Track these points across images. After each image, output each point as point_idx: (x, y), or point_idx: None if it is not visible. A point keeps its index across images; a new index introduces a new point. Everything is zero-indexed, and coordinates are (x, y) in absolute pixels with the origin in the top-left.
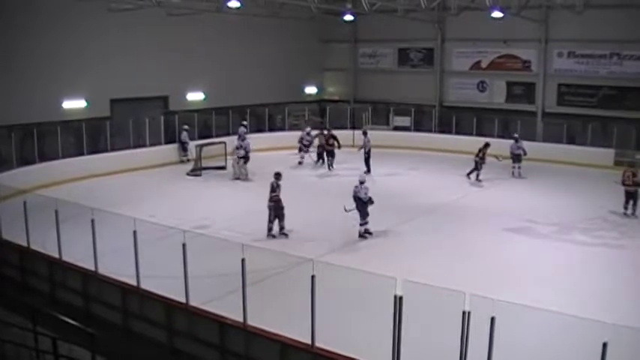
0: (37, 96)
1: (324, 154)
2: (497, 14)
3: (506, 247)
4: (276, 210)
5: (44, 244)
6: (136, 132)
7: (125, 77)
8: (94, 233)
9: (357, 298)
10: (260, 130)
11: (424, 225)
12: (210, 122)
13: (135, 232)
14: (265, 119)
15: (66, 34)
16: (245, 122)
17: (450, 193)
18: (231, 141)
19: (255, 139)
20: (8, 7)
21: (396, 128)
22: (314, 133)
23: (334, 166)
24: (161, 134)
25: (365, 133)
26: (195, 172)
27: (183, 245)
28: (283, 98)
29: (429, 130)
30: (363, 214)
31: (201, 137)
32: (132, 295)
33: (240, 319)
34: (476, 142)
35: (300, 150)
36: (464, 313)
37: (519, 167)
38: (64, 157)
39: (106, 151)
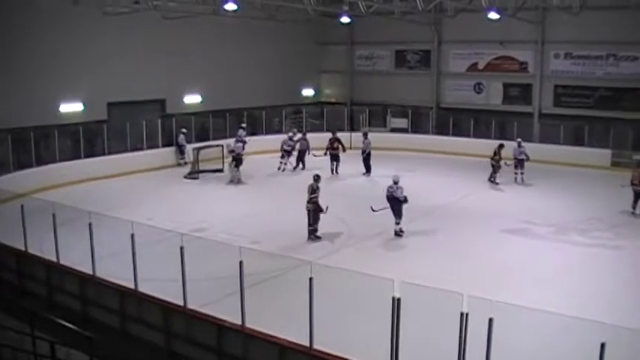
0: (34, 99)
1: (333, 159)
2: (493, 16)
3: (504, 248)
4: (315, 212)
5: (42, 247)
6: (133, 135)
7: (122, 80)
8: (92, 237)
9: (354, 300)
10: (254, 134)
11: (422, 227)
12: (208, 125)
13: (132, 236)
14: (262, 122)
15: (63, 38)
16: (244, 125)
17: (447, 194)
18: (230, 144)
19: (252, 142)
20: (5, 10)
21: (393, 130)
22: (296, 137)
23: (339, 171)
24: (158, 137)
25: (365, 135)
26: (193, 175)
27: (181, 248)
28: (280, 101)
29: (426, 132)
30: (399, 214)
31: (198, 140)
32: (130, 298)
33: (239, 322)
34: (473, 143)
35: (283, 156)
36: (462, 314)
37: (522, 173)
38: (61, 160)
39: (103, 154)
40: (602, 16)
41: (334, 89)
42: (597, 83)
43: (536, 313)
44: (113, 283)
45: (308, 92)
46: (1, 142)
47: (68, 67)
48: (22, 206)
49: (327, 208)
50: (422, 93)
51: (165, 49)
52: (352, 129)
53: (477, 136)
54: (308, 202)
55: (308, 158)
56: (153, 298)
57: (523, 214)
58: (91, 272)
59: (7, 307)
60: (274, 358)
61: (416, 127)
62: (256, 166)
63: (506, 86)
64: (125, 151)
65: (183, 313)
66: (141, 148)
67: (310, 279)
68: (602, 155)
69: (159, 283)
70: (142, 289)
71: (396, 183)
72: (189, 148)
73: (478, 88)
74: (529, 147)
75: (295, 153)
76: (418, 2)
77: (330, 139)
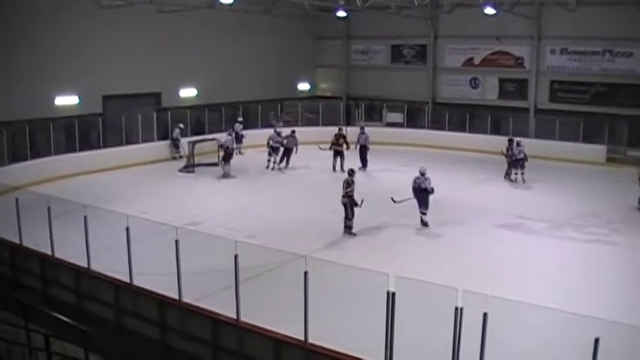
0: (28, 92)
1: (337, 155)
2: (489, 11)
3: (499, 243)
4: (351, 206)
5: (36, 241)
6: (128, 129)
7: (117, 74)
8: (87, 230)
9: (349, 294)
10: (245, 127)
11: (417, 222)
12: (203, 119)
13: (127, 229)
14: (258, 116)
15: (58, 31)
16: (240, 119)
17: (442, 189)
18: (220, 138)
19: (248, 136)
20: (1, 4)
21: (389, 125)
22: (283, 132)
23: (344, 168)
24: (154, 131)
25: (362, 129)
26: (188, 168)
27: (176, 242)
28: (276, 95)
29: (422, 127)
30: (427, 204)
31: (193, 134)
32: (125, 291)
33: (233, 316)
34: (468, 138)
35: (270, 154)
36: (456, 309)
37: (523, 173)
38: (56, 153)
39: (98, 147)
40: (598, 11)
41: (330, 83)
42: (593, 79)
43: (531, 308)
44: (108, 277)
45: (304, 86)
46: None
47: (64, 60)
48: (16, 199)
49: (362, 201)
50: (418, 88)
51: (160, 43)
52: (348, 123)
53: (472, 131)
54: (343, 196)
55: (294, 157)
56: (148, 291)
57: (518, 210)
58: (86, 266)
59: (1, 301)
60: (269, 352)
61: (411, 122)
62: (252, 160)
63: (502, 81)
64: (120, 144)
65: (178, 306)
66: (136, 142)
67: (305, 273)
68: (598, 151)
69: (154, 276)
70: (137, 282)
71: (423, 174)
72: (185, 141)
73: (474, 83)
74: (524, 142)
75: (282, 149)
76: None
77: (335, 135)
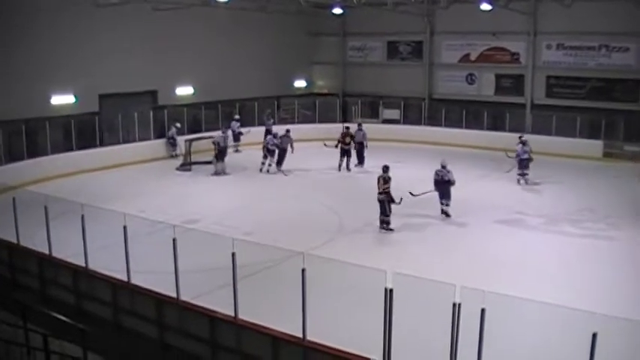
0: (25, 92)
1: (344, 154)
2: (485, 6)
3: (496, 239)
4: (388, 203)
5: (34, 240)
6: (124, 127)
7: (114, 72)
8: (84, 229)
9: (347, 291)
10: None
11: (414, 218)
12: (200, 117)
13: (125, 228)
14: (255, 113)
15: (54, 30)
16: (237, 116)
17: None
18: (214, 136)
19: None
20: None
21: (385, 121)
22: (279, 133)
23: (350, 167)
24: (150, 129)
25: (360, 126)
26: (185, 167)
27: (174, 240)
28: (272, 92)
29: (419, 123)
30: (449, 195)
31: (190, 132)
32: (122, 290)
33: (231, 314)
34: (465, 134)
35: (265, 156)
36: (454, 304)
37: (526, 174)
38: (52, 152)
39: (95, 146)
40: (594, 6)
41: (326, 80)
42: (589, 74)
43: (528, 303)
44: (106, 276)
45: (300, 83)
46: None
47: (60, 59)
48: (14, 199)
49: (401, 199)
50: (414, 84)
51: (156, 41)
52: (345, 120)
53: (469, 127)
54: (380, 193)
55: (292, 157)
56: (146, 290)
57: (515, 205)
58: (83, 265)
59: None
60: (267, 350)
61: (408, 118)
62: (249, 157)
63: (498, 77)
64: (117, 143)
65: (176, 304)
66: (133, 140)
67: (303, 270)
68: (594, 146)
69: (152, 275)
70: (134, 281)
71: (444, 167)
72: (181, 139)
73: (470, 79)
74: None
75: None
76: None
77: (342, 133)
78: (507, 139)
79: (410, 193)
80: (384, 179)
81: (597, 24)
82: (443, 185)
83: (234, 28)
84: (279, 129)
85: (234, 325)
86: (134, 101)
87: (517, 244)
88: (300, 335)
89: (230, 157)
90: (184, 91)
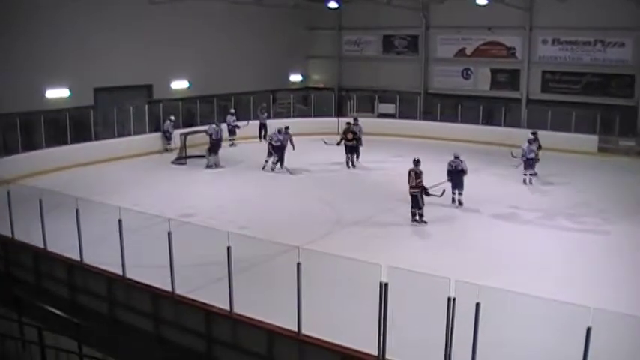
0: (19, 85)
1: (349, 151)
2: (481, 1)
3: (491, 233)
4: (422, 196)
5: (29, 234)
6: (119, 121)
7: (108, 66)
8: (79, 223)
9: (342, 285)
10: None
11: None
12: (194, 110)
13: (120, 221)
14: (250, 107)
15: (49, 23)
16: (232, 110)
17: (434, 180)
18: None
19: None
20: None
21: (381, 115)
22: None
23: (356, 163)
24: (145, 123)
25: (356, 120)
26: (180, 160)
27: (169, 234)
28: (268, 86)
29: (414, 118)
30: (462, 185)
31: (185, 126)
32: (118, 284)
33: (227, 308)
34: (460, 129)
35: (269, 153)
36: (449, 299)
37: (532, 174)
38: (47, 146)
39: (90, 140)
40: (590, 2)
41: (322, 74)
42: (585, 69)
43: (523, 297)
44: (101, 270)
45: (296, 77)
46: None
47: (54, 52)
48: (8, 192)
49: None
50: (410, 78)
51: (152, 35)
52: (340, 114)
53: (464, 121)
54: (413, 187)
55: (288, 151)
56: (141, 284)
57: (510, 200)
58: (78, 259)
59: None
60: (263, 344)
61: (403, 113)
62: (244, 151)
63: (494, 72)
64: (112, 137)
65: (171, 298)
66: (128, 134)
67: (298, 264)
68: (589, 141)
69: (147, 268)
70: (129, 275)
71: (457, 157)
72: (176, 133)
73: (466, 74)
74: (516, 132)
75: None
76: None
77: (344, 130)
78: (503, 133)
79: (426, 191)
80: (417, 173)
81: (593, 19)
82: (456, 175)
83: (230, 22)
84: (274, 123)
85: (230, 319)
86: (129, 95)
87: (512, 239)
88: (296, 329)
89: (226, 151)
90: (180, 84)
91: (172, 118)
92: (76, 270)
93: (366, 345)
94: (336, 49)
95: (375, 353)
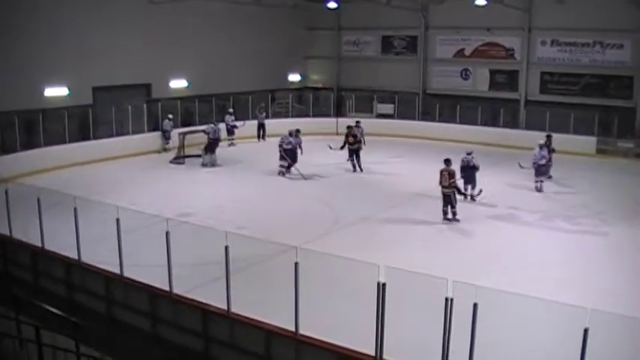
0: (18, 83)
1: (351, 154)
2: (480, 2)
3: (490, 234)
4: (455, 195)
5: (27, 233)
6: (118, 120)
7: (107, 65)
8: (77, 222)
9: (340, 286)
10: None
11: (408, 213)
12: (192, 110)
13: (118, 221)
14: (249, 107)
15: (47, 22)
16: (231, 110)
17: (433, 180)
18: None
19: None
20: None
21: (380, 116)
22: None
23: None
24: (144, 122)
25: (358, 122)
26: (178, 160)
27: (167, 233)
28: (267, 86)
29: (413, 118)
30: (474, 180)
31: (184, 125)
32: (115, 283)
33: (224, 307)
34: (459, 129)
35: (282, 158)
36: (446, 299)
37: (542, 181)
38: (46, 145)
39: (88, 139)
40: (589, 3)
41: (321, 75)
42: (583, 70)
43: (521, 298)
44: (99, 269)
45: (295, 77)
46: None
47: (53, 51)
48: (6, 191)
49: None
50: (408, 79)
51: (151, 34)
52: (339, 114)
53: (463, 122)
54: (447, 187)
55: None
56: (139, 283)
57: (509, 201)
58: (76, 257)
59: None
60: (260, 344)
61: (402, 113)
62: (243, 151)
63: (492, 73)
64: (111, 135)
65: (169, 298)
66: (126, 133)
67: (296, 264)
68: (588, 142)
69: (145, 268)
70: (127, 274)
71: (469, 154)
72: (175, 133)
73: (465, 75)
74: (515, 133)
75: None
76: None
77: (345, 133)
78: (501, 134)
79: (459, 191)
80: (450, 173)
81: (592, 20)
82: (469, 171)
83: (229, 22)
84: (273, 123)
85: (227, 318)
86: (128, 94)
87: (510, 240)
88: (293, 329)
89: (224, 150)
90: (178, 84)
91: (170, 116)
92: (74, 269)
93: (363, 345)
94: (335, 50)
95: (373, 353)
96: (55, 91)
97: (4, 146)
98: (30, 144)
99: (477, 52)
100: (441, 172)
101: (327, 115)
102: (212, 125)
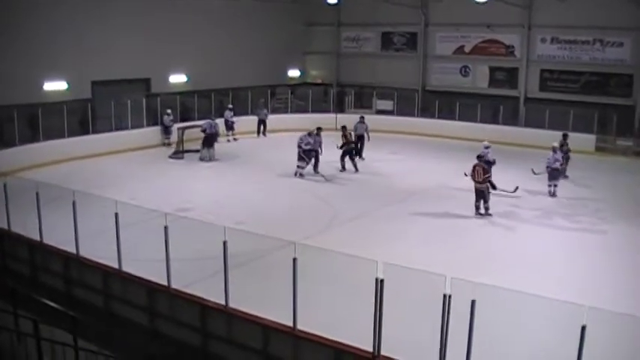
0: (17, 78)
1: (346, 155)
2: None
3: (488, 231)
4: (488, 190)
5: (25, 226)
6: (117, 115)
7: (106, 59)
8: (75, 216)
9: (338, 281)
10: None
11: (407, 209)
12: (190, 105)
13: (117, 215)
14: (248, 102)
15: (47, 15)
16: (231, 105)
17: (431, 177)
18: (202, 124)
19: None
20: None
21: (379, 112)
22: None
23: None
24: (143, 117)
25: (362, 119)
26: (178, 155)
27: (165, 228)
28: (266, 81)
29: (412, 114)
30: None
31: (183, 120)
32: (114, 278)
33: (222, 302)
34: (458, 126)
35: (301, 158)
36: (444, 296)
37: (556, 185)
38: (44, 139)
39: (87, 133)
40: (589, 1)
41: (320, 70)
42: (583, 68)
43: (519, 296)
44: (97, 263)
45: (294, 73)
46: None
47: (52, 45)
48: (5, 185)
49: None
50: (408, 75)
51: (150, 28)
52: (340, 110)
53: (462, 119)
54: (481, 182)
55: (287, 148)
56: (137, 277)
57: (508, 199)
58: (74, 252)
59: None
60: (258, 339)
61: (401, 110)
62: (243, 146)
63: (492, 70)
64: (110, 130)
65: (167, 293)
66: (125, 128)
67: (294, 259)
68: (587, 140)
69: (143, 262)
70: (125, 268)
71: (487, 147)
72: (174, 127)
73: (464, 71)
74: (514, 131)
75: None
76: None
77: (342, 135)
78: (500, 131)
79: (465, 173)
80: (484, 169)
81: (592, 18)
82: (486, 165)
83: (229, 17)
84: (272, 118)
85: (225, 313)
86: (127, 88)
87: (509, 237)
88: (291, 324)
89: (224, 146)
90: (178, 79)
91: (169, 111)
92: (73, 263)
93: (361, 341)
94: (334, 45)
95: (371, 349)
96: (54, 86)
97: (3, 140)
98: (29, 138)
99: (477, 49)
100: (475, 167)
101: (327, 111)
102: (209, 120)
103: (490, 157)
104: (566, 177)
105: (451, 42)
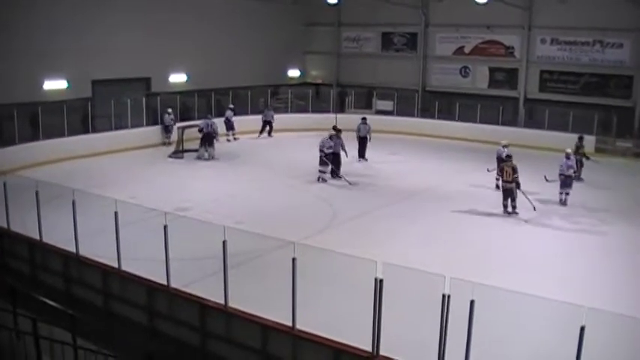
0: (17, 76)
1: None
2: None
3: (487, 232)
4: (515, 190)
5: (25, 225)
6: (117, 114)
7: (107, 58)
8: (75, 215)
9: (338, 281)
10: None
11: (406, 209)
12: (190, 104)
13: (116, 214)
14: (248, 102)
15: (47, 14)
16: (231, 105)
17: (430, 177)
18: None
19: (238, 122)
20: None
21: (379, 112)
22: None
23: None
24: (143, 116)
25: (364, 120)
26: (178, 154)
27: (165, 227)
28: (266, 81)
29: (412, 115)
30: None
31: (183, 119)
32: (113, 276)
33: (222, 302)
34: (458, 127)
35: (323, 163)
36: (443, 296)
37: (568, 193)
38: (44, 138)
39: (87, 132)
40: (589, 2)
41: (320, 70)
42: (583, 69)
43: (518, 296)
44: (96, 262)
45: (294, 73)
46: None
47: (52, 44)
48: (4, 183)
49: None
50: (408, 76)
51: (151, 28)
52: (340, 110)
53: (462, 119)
54: (509, 181)
55: (288, 147)
56: (136, 276)
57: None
58: (74, 250)
59: None
60: (257, 338)
61: (401, 110)
62: (243, 146)
63: (492, 70)
64: (110, 129)
65: (166, 292)
66: (125, 127)
67: (293, 259)
68: (587, 141)
69: (142, 261)
70: (125, 267)
71: (505, 146)
72: (174, 127)
73: (464, 72)
74: (514, 131)
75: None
76: None
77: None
78: (500, 132)
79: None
80: (513, 168)
81: (592, 19)
82: (502, 162)
83: (229, 16)
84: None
85: (224, 313)
86: (127, 88)
87: (508, 238)
88: (290, 324)
89: (224, 145)
90: (178, 78)
91: (170, 110)
92: (72, 262)
93: (360, 341)
94: (334, 46)
95: (370, 349)
96: (55, 84)
97: (3, 138)
98: (29, 137)
99: (477, 50)
100: (504, 167)
101: (327, 111)
102: (206, 120)
103: (504, 155)
104: (581, 180)
105: (451, 42)
